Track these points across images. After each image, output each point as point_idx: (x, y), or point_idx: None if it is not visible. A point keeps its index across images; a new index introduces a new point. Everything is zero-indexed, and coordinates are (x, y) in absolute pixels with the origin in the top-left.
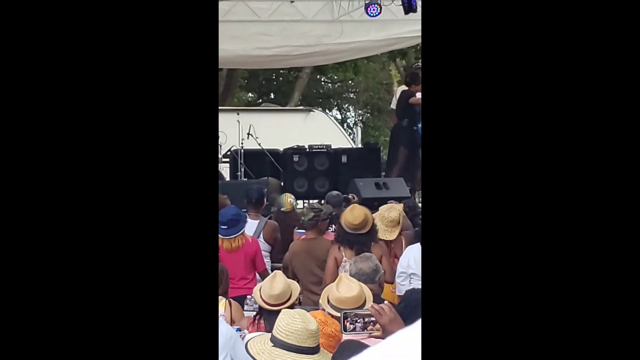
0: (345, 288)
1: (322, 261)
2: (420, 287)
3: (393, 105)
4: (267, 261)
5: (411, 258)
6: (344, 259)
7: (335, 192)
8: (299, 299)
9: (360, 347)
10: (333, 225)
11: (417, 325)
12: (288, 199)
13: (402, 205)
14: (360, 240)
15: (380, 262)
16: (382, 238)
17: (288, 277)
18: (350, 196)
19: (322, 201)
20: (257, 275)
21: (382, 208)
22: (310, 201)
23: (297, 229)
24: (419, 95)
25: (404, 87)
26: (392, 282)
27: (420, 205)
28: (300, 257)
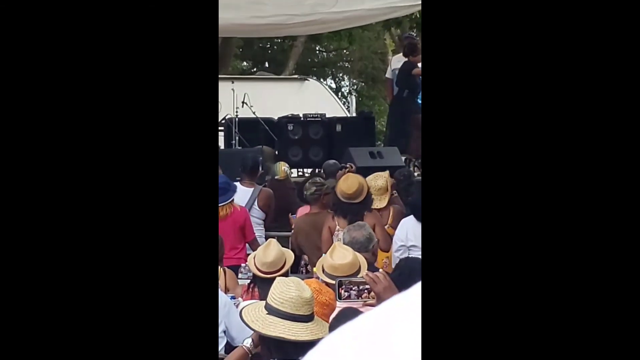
0: (339, 255)
1: None
2: (414, 255)
3: (388, 75)
4: (260, 229)
5: (409, 230)
6: (337, 228)
7: (332, 161)
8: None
9: (358, 315)
10: None
11: (412, 292)
12: (282, 167)
13: (387, 172)
14: (354, 209)
15: (374, 231)
16: (372, 207)
17: (295, 253)
18: (348, 165)
19: (317, 170)
20: (247, 245)
21: (368, 178)
22: (307, 171)
23: (291, 214)
24: (420, 65)
25: (398, 57)
26: (387, 251)
27: (415, 173)
28: (305, 232)
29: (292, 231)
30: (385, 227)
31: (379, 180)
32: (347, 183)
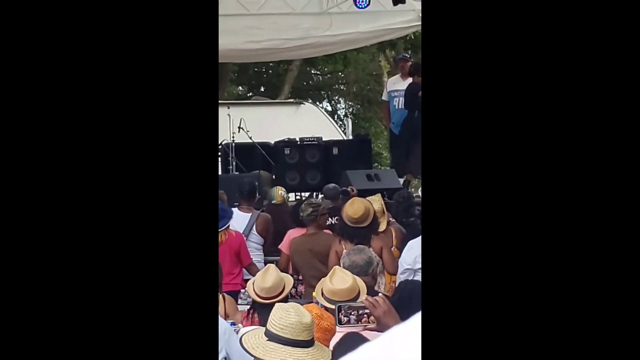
0: (339, 280)
1: (323, 256)
2: (414, 278)
3: (384, 97)
4: (259, 254)
5: (419, 254)
6: (344, 251)
7: (332, 185)
8: (301, 294)
9: (362, 340)
10: (330, 219)
11: (415, 320)
12: (279, 191)
13: (379, 195)
14: (361, 233)
15: (381, 254)
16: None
17: (292, 274)
18: (349, 189)
19: (315, 193)
20: (244, 270)
21: None
22: (305, 194)
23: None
24: None
25: (394, 79)
26: (395, 274)
27: (414, 195)
28: (301, 252)
29: (282, 252)
30: (392, 248)
31: (375, 204)
32: (354, 208)
